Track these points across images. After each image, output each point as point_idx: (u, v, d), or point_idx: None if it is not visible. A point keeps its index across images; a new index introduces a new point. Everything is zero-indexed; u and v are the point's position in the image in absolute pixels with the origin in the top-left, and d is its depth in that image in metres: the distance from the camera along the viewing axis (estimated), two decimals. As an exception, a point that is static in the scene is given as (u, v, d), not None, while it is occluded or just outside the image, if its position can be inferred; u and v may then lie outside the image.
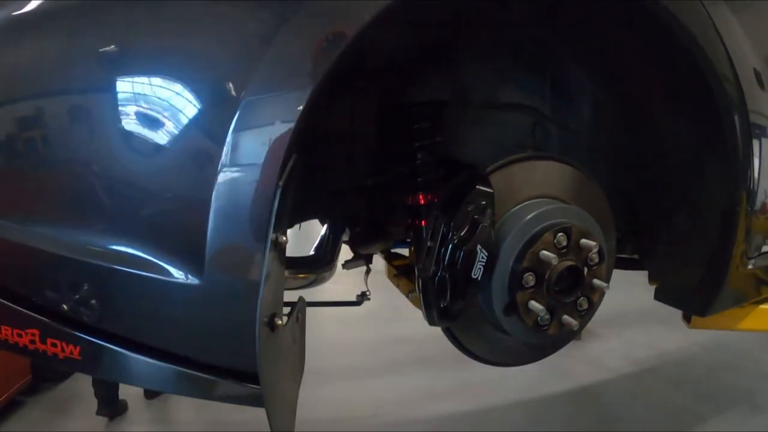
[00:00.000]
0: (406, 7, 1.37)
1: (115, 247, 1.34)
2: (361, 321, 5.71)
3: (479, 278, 1.76)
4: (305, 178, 1.71)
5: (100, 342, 1.35)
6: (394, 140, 2.15)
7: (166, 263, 1.32)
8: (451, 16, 1.97)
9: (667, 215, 2.19)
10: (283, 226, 1.33)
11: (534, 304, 1.81)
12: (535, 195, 1.93)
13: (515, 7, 1.96)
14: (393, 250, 2.84)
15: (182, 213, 1.32)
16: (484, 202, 1.76)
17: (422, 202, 2.14)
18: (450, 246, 1.74)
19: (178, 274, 1.31)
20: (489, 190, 1.78)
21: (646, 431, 3.89)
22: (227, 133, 1.27)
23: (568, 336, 2.02)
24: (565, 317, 1.87)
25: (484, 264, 1.76)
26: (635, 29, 1.84)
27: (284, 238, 1.34)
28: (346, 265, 2.65)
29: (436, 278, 1.73)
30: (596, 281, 1.88)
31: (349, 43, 1.30)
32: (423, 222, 2.03)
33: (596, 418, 4.13)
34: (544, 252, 1.83)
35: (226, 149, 1.27)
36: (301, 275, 2.26)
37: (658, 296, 2.32)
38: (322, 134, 2.06)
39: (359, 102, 2.10)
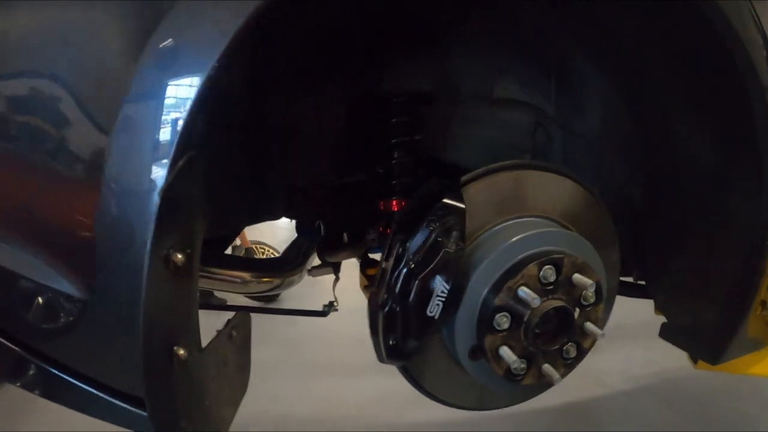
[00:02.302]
0: None
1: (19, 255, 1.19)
2: (351, 315, 5.28)
3: (436, 317, 1.38)
4: (255, 176, 1.58)
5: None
6: (369, 137, 1.89)
7: (62, 276, 1.17)
8: None
9: (681, 240, 1.84)
10: (178, 239, 1.12)
11: (506, 352, 1.42)
12: (522, 214, 1.55)
13: None
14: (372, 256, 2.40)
15: (70, 223, 1.17)
16: (451, 221, 1.38)
17: (395, 208, 1.82)
18: (404, 272, 1.37)
19: (71, 289, 1.16)
20: (459, 204, 1.40)
21: (637, 452, 3.45)
22: (110, 139, 1.10)
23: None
24: (546, 367, 1.47)
25: (443, 300, 1.38)
26: (658, 14, 1.44)
27: (179, 256, 1.11)
28: (312, 271, 2.28)
29: (385, 309, 1.39)
30: (589, 326, 1.48)
31: (243, 26, 1.07)
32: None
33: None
34: (525, 289, 1.41)
35: (109, 153, 1.10)
36: (264, 279, 1.95)
37: (664, 334, 1.98)
38: (277, 128, 1.78)
39: (324, 93, 1.83)
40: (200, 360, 1.28)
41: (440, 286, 1.37)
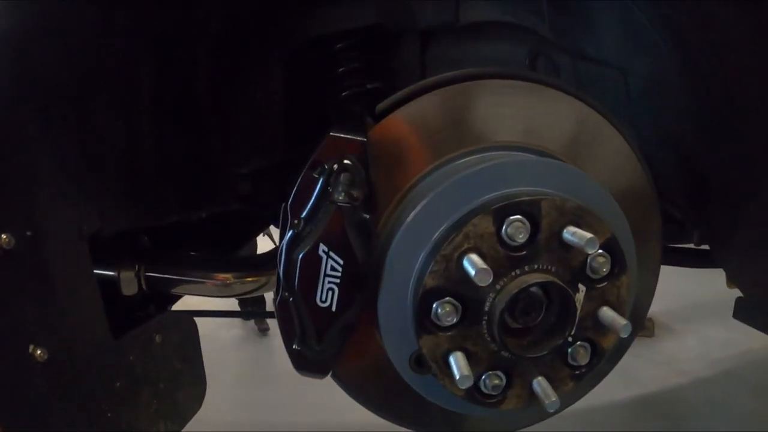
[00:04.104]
0: None
1: None
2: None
3: (333, 307, 0.98)
4: (187, 157, 1.39)
5: None
6: (317, 98, 1.55)
7: None
8: None
9: (759, 184, 1.43)
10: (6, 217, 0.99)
11: (458, 360, 0.93)
12: (483, 145, 1.06)
13: None
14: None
15: None
16: (345, 161, 0.99)
17: None
18: (285, 245, 0.99)
19: None
20: (353, 137, 1.01)
21: (724, 448, 3.25)
22: None
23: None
24: (539, 382, 0.97)
25: (336, 281, 0.97)
26: None
27: (4, 237, 0.98)
28: None
29: (276, 301, 1.03)
30: (606, 312, 0.97)
31: None
32: None
33: (667, 430, 3.45)
34: (472, 258, 0.88)
35: None
36: (249, 278, 1.62)
37: (739, 314, 1.72)
38: (206, 99, 1.49)
39: (257, 49, 1.52)
40: (90, 362, 1.19)
41: (327, 260, 0.95)
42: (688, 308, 4.08)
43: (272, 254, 1.74)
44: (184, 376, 1.46)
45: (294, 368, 1.13)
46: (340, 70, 1.44)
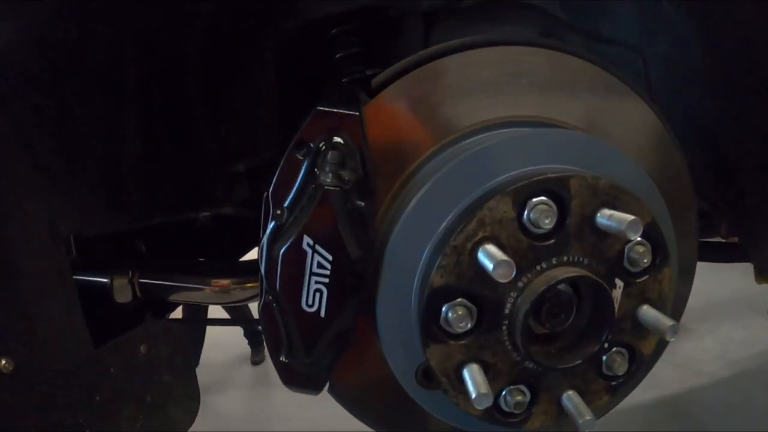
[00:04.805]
0: None
1: None
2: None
3: (321, 313, 0.84)
4: (179, 155, 1.24)
5: None
6: (314, 87, 1.40)
7: None
8: None
9: None
10: None
11: (474, 374, 0.77)
12: (498, 120, 0.91)
13: None
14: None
15: None
16: (335, 139, 0.85)
17: None
18: (266, 239, 0.85)
19: None
20: (343, 110, 0.87)
21: (744, 450, 3.17)
22: None
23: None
24: (570, 397, 0.82)
25: (324, 281, 0.81)
26: None
27: None
28: None
29: (259, 305, 0.90)
30: (647, 312, 0.83)
31: None
32: None
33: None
34: (490, 249, 0.73)
35: None
36: (248, 284, 1.50)
37: None
38: (196, 92, 1.36)
39: (246, 42, 1.38)
40: (65, 373, 1.16)
41: (314, 256, 0.81)
42: (704, 308, 3.97)
43: None
44: (175, 390, 1.40)
45: (282, 383, 1.00)
46: (338, 56, 1.33)
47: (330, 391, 1.07)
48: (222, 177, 1.41)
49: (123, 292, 1.25)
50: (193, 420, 1.43)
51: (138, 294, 1.26)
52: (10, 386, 1.06)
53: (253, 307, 1.79)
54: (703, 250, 1.75)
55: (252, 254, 1.78)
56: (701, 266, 1.77)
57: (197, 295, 1.45)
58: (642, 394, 3.66)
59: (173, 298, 1.43)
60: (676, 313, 1.12)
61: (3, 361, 1.02)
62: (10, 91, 0.97)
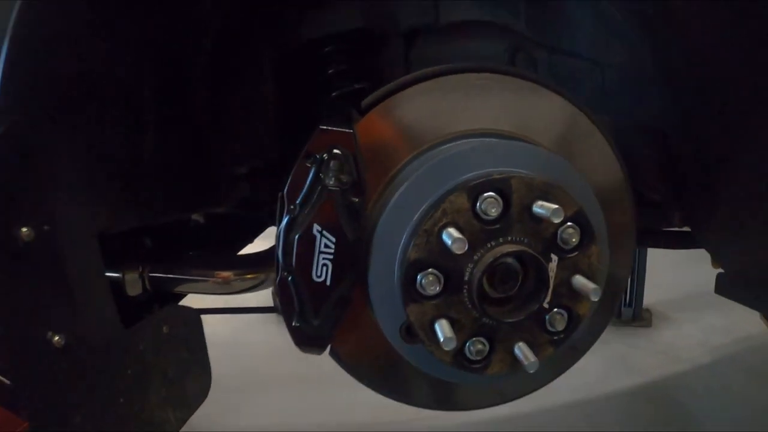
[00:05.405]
0: None
1: None
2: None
3: (327, 282, 1.06)
4: (186, 157, 1.42)
5: None
6: (309, 97, 1.60)
7: None
8: None
9: (731, 162, 1.44)
10: (25, 212, 1.01)
11: (442, 327, 0.98)
12: (461, 132, 1.13)
13: None
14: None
15: None
16: (335, 151, 1.06)
17: None
18: (282, 229, 1.07)
19: None
20: (340, 129, 1.08)
21: (725, 432, 3.20)
22: None
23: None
24: (520, 346, 1.02)
25: (330, 257, 1.05)
26: None
27: (26, 230, 1.00)
28: None
29: (277, 279, 1.10)
30: (579, 280, 1.02)
31: None
32: None
33: (668, 418, 3.41)
34: (450, 231, 0.94)
35: None
36: (248, 276, 1.65)
37: (721, 289, 1.66)
38: (201, 98, 1.51)
39: (249, 48, 1.55)
40: (103, 350, 1.21)
41: (321, 239, 1.03)
42: (684, 297, 4.07)
43: (270, 252, 1.67)
44: (191, 366, 1.49)
45: (294, 344, 1.17)
46: (330, 71, 1.49)
47: (331, 353, 1.22)
48: (227, 178, 1.59)
49: (134, 285, 1.33)
50: (206, 395, 1.52)
51: (147, 287, 1.35)
52: (63, 360, 1.13)
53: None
54: (663, 238, 1.87)
55: (246, 250, 1.85)
56: (683, 258, 1.85)
57: (201, 287, 1.54)
58: (625, 380, 3.64)
59: (179, 289, 1.51)
60: (618, 281, 1.28)
61: (56, 338, 1.10)
62: (63, 106, 1.07)
